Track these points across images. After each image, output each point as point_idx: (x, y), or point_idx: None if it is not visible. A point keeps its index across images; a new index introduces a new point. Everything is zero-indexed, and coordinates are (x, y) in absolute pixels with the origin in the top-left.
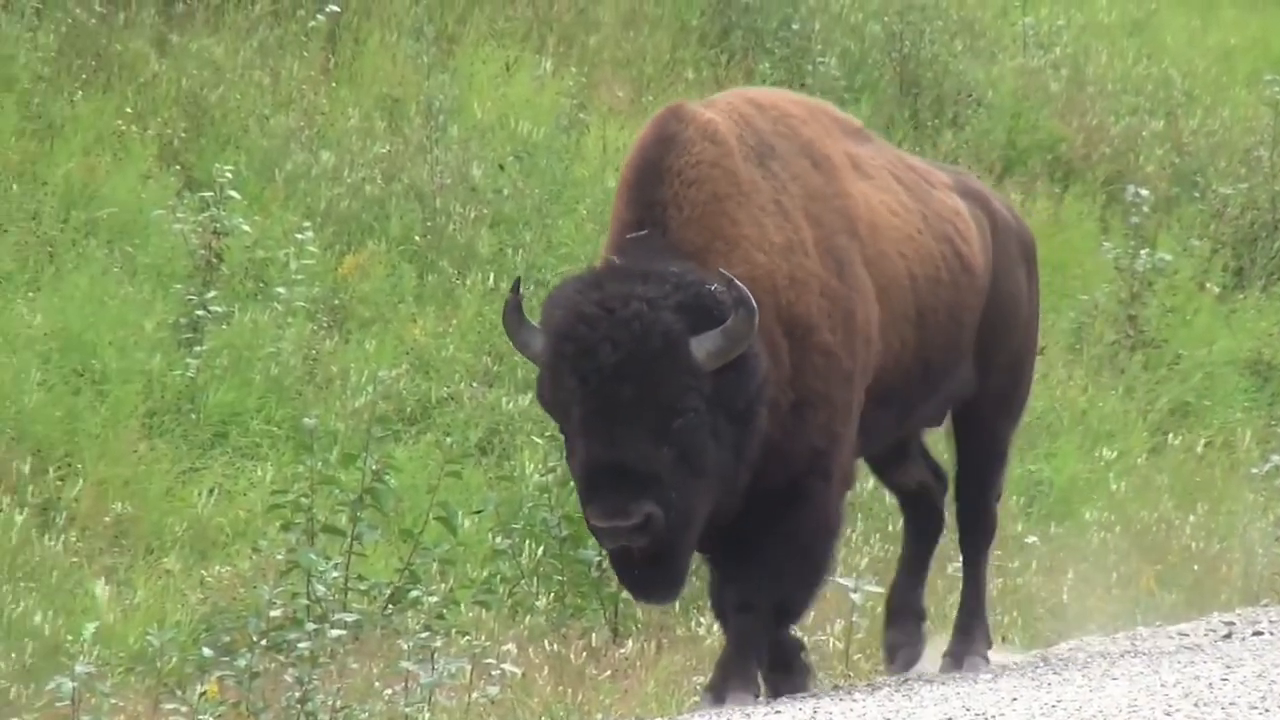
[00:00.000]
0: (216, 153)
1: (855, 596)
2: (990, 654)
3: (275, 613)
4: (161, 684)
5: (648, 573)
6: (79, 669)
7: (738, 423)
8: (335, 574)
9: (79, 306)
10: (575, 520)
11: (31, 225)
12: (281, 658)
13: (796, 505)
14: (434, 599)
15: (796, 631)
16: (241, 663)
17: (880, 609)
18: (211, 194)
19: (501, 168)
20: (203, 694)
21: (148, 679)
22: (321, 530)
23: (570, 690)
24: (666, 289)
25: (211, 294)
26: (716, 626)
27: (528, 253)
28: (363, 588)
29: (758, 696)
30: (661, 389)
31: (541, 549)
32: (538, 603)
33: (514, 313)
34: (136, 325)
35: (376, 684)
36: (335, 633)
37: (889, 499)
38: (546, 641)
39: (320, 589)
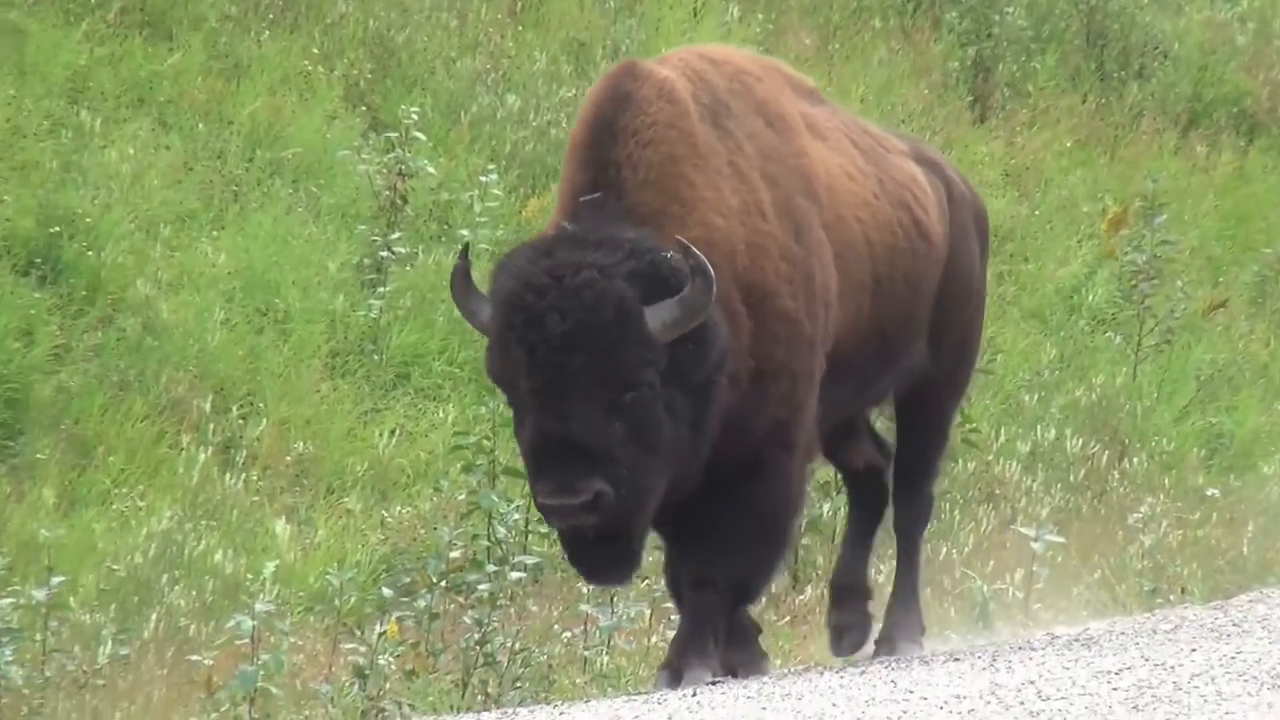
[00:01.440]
0: (402, 94)
1: (1036, 546)
2: (923, 639)
3: (455, 554)
4: (340, 624)
5: (599, 553)
6: (259, 607)
7: (695, 396)
8: (516, 516)
9: (263, 246)
10: None
11: (217, 165)
12: (461, 599)
13: (757, 478)
14: None
15: (755, 615)
16: (421, 604)
17: (1060, 559)
18: (397, 135)
19: None
20: (382, 634)
21: (327, 618)
22: (503, 472)
23: None
24: (620, 256)
25: (395, 235)
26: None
27: None
28: (543, 530)
29: (715, 675)
30: (613, 361)
31: None
32: None
33: (461, 280)
34: (320, 265)
35: (555, 627)
36: (515, 575)
37: (1070, 447)
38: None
39: (501, 531)
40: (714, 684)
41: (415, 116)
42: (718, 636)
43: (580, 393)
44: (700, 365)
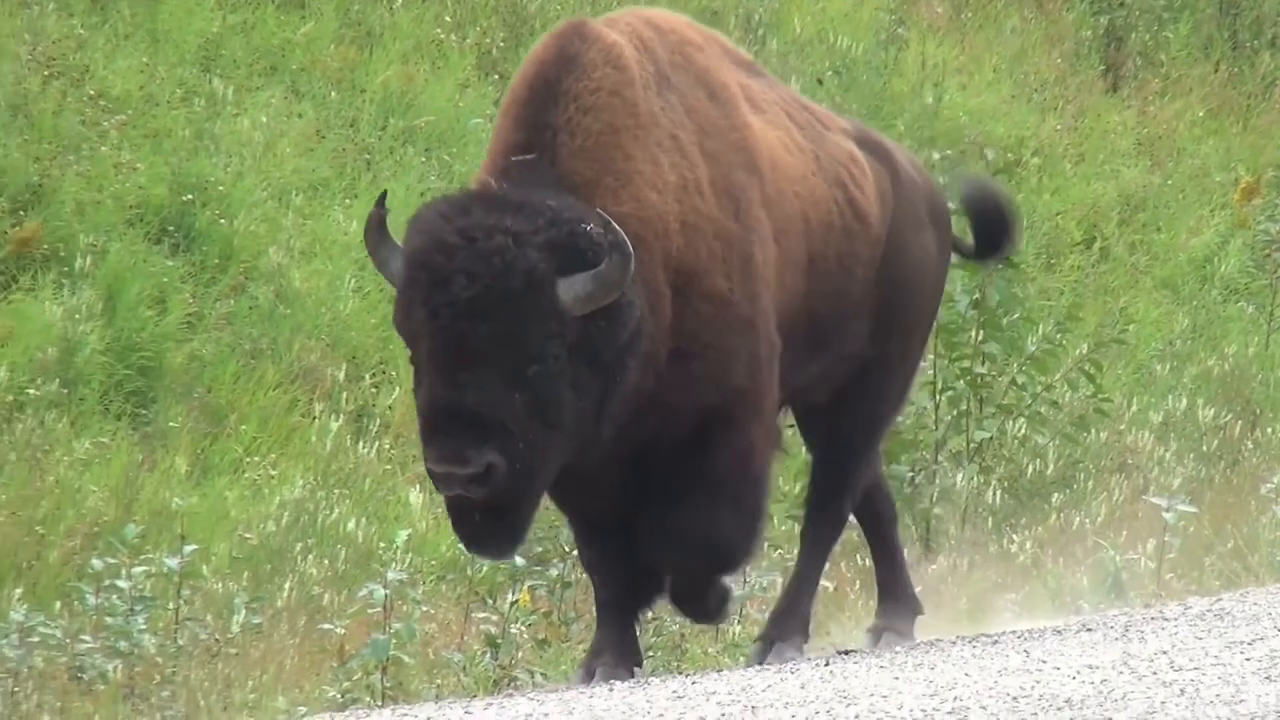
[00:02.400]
0: None
1: (1168, 515)
2: (804, 646)
3: None
4: (473, 592)
5: (485, 524)
6: (391, 576)
7: (602, 374)
8: None
9: (395, 214)
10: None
11: (349, 133)
12: None
13: (708, 458)
14: None
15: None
16: (553, 572)
17: (1192, 529)
18: None
19: (820, 82)
20: (514, 603)
21: (459, 587)
22: None
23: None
24: (539, 224)
25: None
26: (1024, 547)
27: None
28: None
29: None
30: (519, 331)
31: None
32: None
33: (375, 228)
34: None
35: None
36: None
37: (1202, 417)
38: (858, 556)
39: None
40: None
41: None
42: (729, 597)
43: (481, 361)
44: (610, 343)
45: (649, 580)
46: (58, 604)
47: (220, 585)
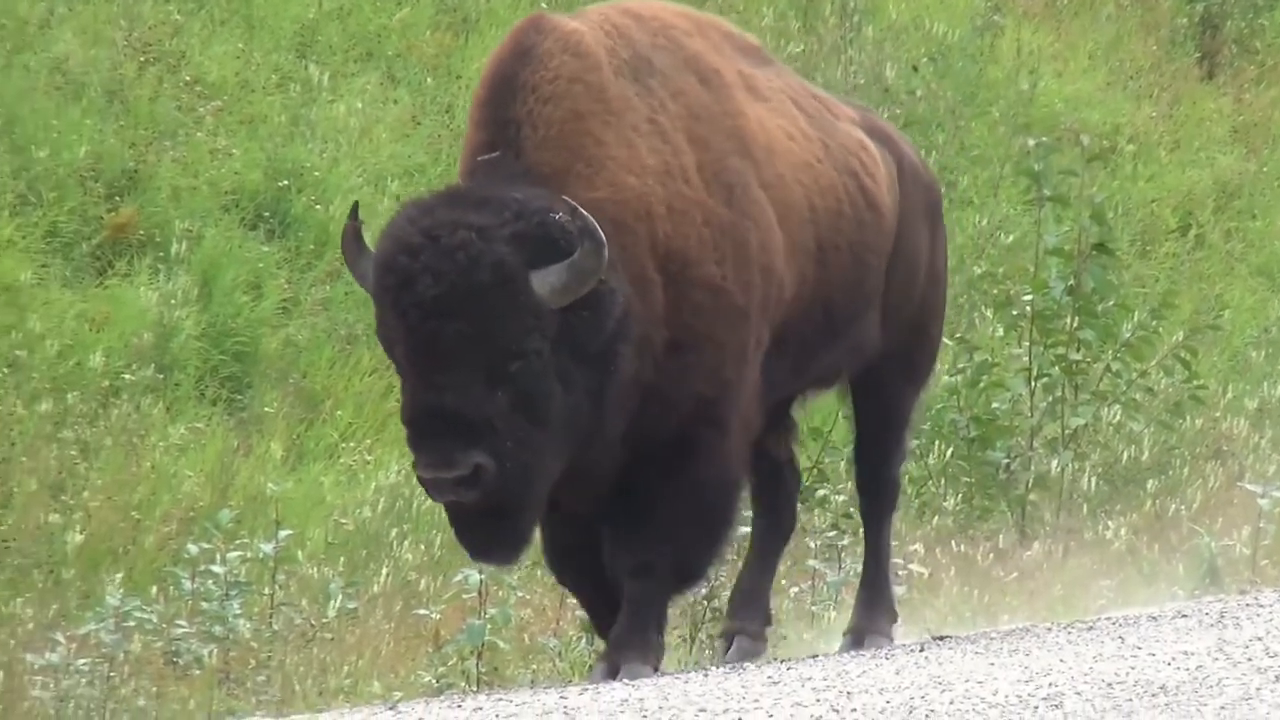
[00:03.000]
0: None
1: (1263, 502)
2: (894, 629)
3: None
4: None
5: (485, 529)
6: None
7: (593, 365)
8: None
9: None
10: (984, 422)
11: (445, 119)
12: None
13: (689, 457)
14: (841, 498)
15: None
16: None
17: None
18: None
19: (915, 69)
20: None
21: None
22: None
23: (976, 592)
24: (505, 216)
25: None
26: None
27: (940, 154)
28: None
29: (656, 669)
30: (493, 327)
31: (950, 450)
32: (945, 504)
33: (352, 241)
34: None
35: (783, 581)
36: (743, 530)
37: None
38: (953, 542)
39: None
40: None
41: None
42: (660, 625)
43: (457, 361)
44: (596, 333)
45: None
46: (154, 589)
47: (315, 570)
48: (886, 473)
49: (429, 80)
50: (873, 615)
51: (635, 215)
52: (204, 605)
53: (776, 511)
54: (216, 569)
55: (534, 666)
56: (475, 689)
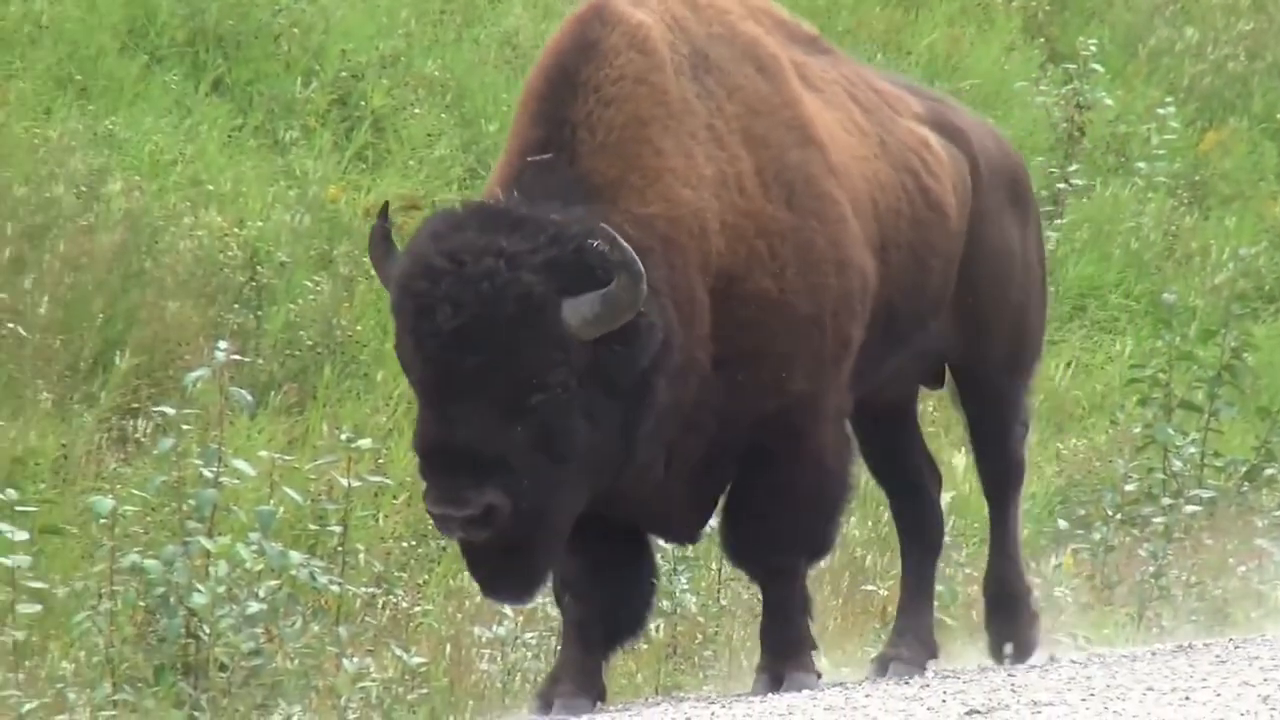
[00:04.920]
0: (1080, 26)
1: None
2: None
3: (1130, 487)
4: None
5: (497, 567)
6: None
7: (624, 400)
8: (1192, 450)
9: None
10: None
11: None
12: (1135, 532)
13: (779, 464)
14: None
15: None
16: (1096, 536)
17: None
18: (1074, 67)
19: None
20: (1057, 566)
21: None
22: (1179, 406)
23: None
24: (539, 241)
25: (1073, 167)
26: None
27: None
28: (1219, 464)
29: (819, 675)
30: (516, 361)
31: None
32: None
33: (380, 243)
34: None
35: (1230, 560)
36: (1190, 509)
37: None
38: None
39: (1176, 464)
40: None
41: (1093, 48)
42: (808, 609)
43: (474, 394)
44: (629, 368)
45: (628, 616)
46: None
47: None
48: (1005, 447)
49: (879, 56)
50: (1015, 619)
51: (688, 233)
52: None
53: (919, 526)
54: (663, 544)
55: (980, 644)
56: None
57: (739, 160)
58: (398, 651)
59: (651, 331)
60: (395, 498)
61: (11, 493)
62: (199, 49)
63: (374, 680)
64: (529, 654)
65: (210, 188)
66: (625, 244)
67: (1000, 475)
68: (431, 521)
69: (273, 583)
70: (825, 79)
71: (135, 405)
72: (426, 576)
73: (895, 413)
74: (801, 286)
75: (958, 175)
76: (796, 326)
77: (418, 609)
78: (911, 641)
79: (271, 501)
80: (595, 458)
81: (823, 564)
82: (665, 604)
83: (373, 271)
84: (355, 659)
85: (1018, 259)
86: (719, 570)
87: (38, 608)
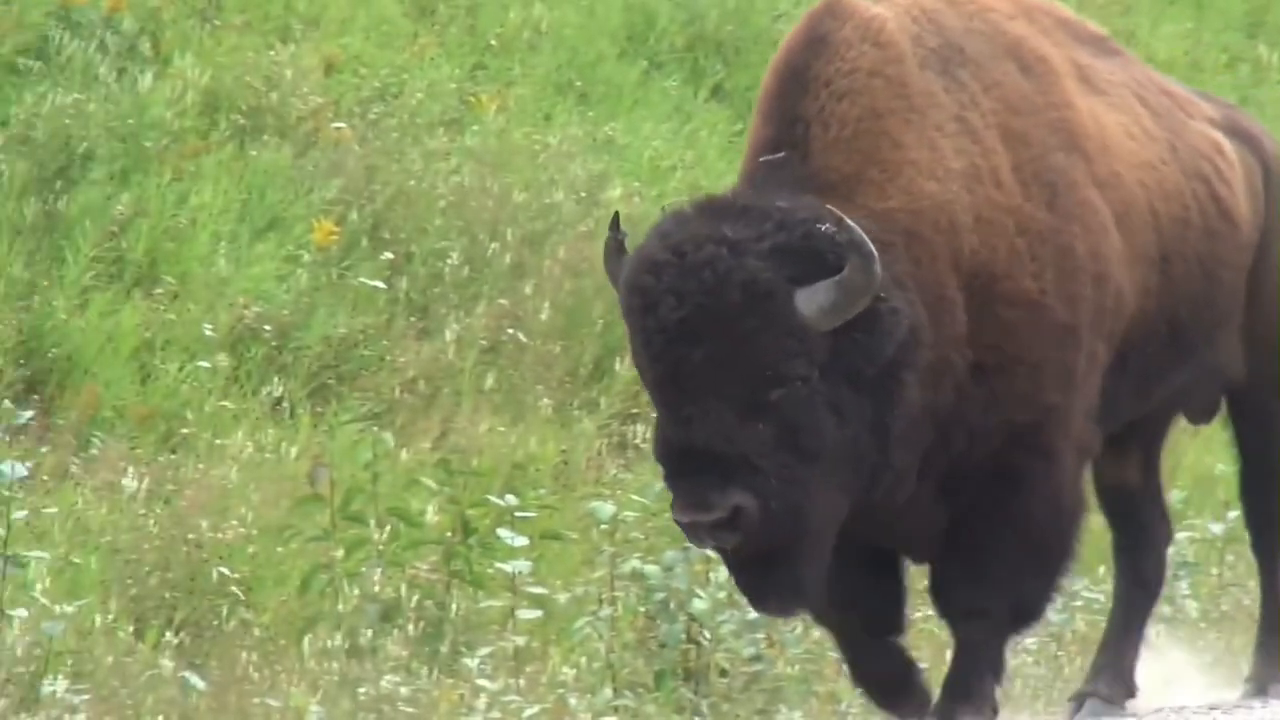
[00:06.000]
0: None
1: None
2: None
3: None
4: None
5: (759, 576)
6: None
7: (873, 394)
8: None
9: None
10: None
11: None
12: None
13: (1015, 491)
14: None
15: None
16: None
17: None
18: None
19: None
20: None
21: None
22: None
23: None
24: (765, 228)
25: None
26: None
27: None
28: None
29: None
30: (749, 352)
31: None
32: None
33: (615, 255)
34: None
35: None
36: None
37: None
38: None
39: None
40: None
41: None
42: (998, 672)
43: (708, 391)
44: (873, 357)
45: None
46: (1100, 568)
47: None
48: (1273, 504)
49: None
50: (1270, 662)
51: (934, 226)
52: None
53: (1137, 561)
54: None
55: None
56: None
57: (994, 154)
58: None
59: (895, 317)
60: None
61: (512, 498)
62: (698, 54)
63: None
64: (1029, 659)
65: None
66: (852, 224)
67: (1267, 530)
68: (688, 539)
69: None
70: (1112, 81)
71: (635, 411)
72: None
73: (1145, 450)
74: (1058, 293)
75: (1250, 182)
76: (1054, 334)
77: (917, 614)
78: (1110, 679)
79: None
80: (847, 456)
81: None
82: (1166, 609)
83: None
84: None
85: None
86: (1219, 575)
87: (538, 613)
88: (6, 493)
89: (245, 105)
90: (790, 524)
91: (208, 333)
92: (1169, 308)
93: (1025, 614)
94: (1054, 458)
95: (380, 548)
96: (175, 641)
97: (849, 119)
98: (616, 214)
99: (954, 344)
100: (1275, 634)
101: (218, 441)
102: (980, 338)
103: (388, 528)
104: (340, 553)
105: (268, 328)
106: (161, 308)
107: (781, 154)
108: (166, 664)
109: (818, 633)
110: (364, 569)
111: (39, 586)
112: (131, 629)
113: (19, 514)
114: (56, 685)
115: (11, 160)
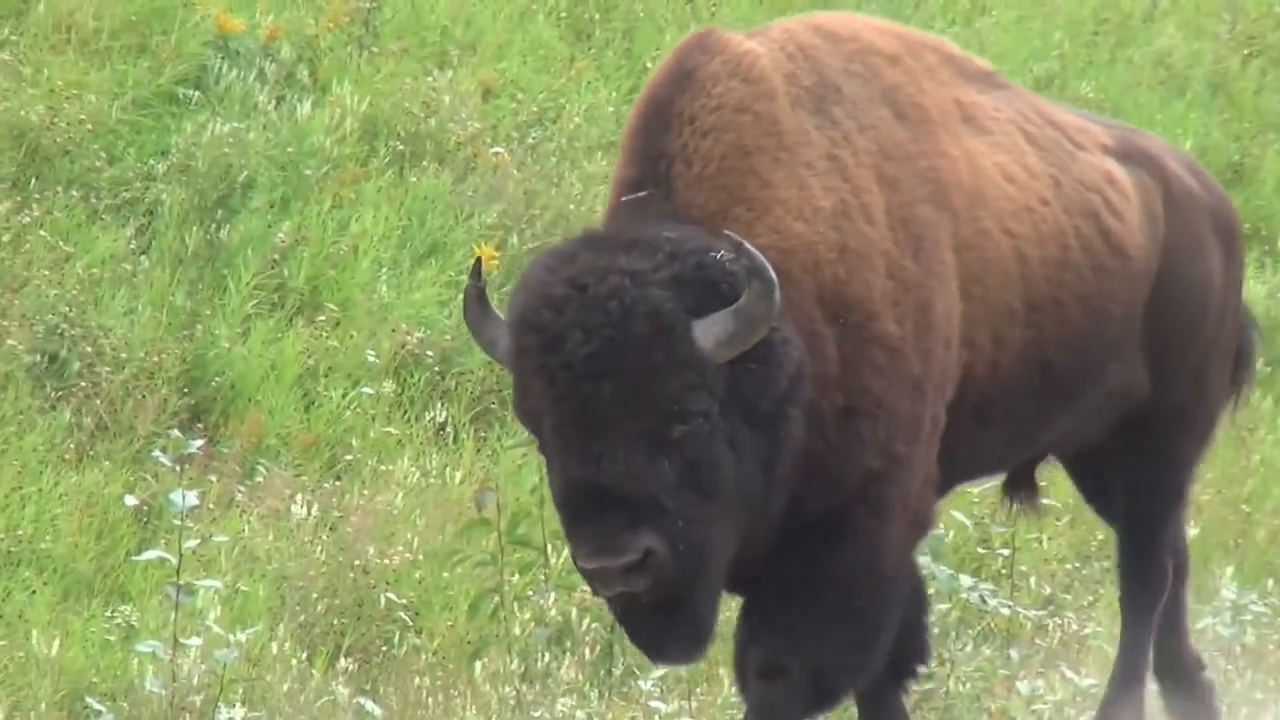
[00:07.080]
0: None
1: None
2: None
3: None
4: None
5: (660, 625)
6: None
7: (763, 428)
8: None
9: None
10: None
11: None
12: None
13: (837, 543)
14: None
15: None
16: None
17: None
18: None
19: None
20: None
21: None
22: None
23: None
24: (659, 259)
25: None
26: None
27: None
28: None
29: None
30: (654, 387)
31: None
32: None
33: (475, 304)
34: None
35: None
36: None
37: None
38: None
39: None
40: None
41: None
42: None
43: (614, 428)
44: (768, 390)
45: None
46: (1269, 581)
47: None
48: (1154, 554)
49: None
50: (1118, 712)
51: (802, 266)
52: None
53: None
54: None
55: None
56: None
57: (867, 193)
58: (1068, 673)
59: (787, 347)
60: (1059, 519)
61: None
62: None
63: (1046, 703)
64: None
65: None
66: (752, 249)
67: (1144, 584)
68: (586, 581)
69: (943, 606)
70: (998, 119)
71: None
72: (1091, 598)
73: (1103, 453)
74: (915, 345)
75: (1147, 209)
76: (908, 384)
77: (1087, 630)
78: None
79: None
80: (741, 495)
81: None
82: None
83: None
84: (1027, 681)
85: (1214, 297)
86: None
87: None
88: (177, 522)
89: (404, 131)
90: (696, 565)
91: (370, 359)
92: (1036, 357)
93: (826, 683)
94: (884, 515)
95: (548, 571)
96: (346, 667)
97: (713, 156)
98: (479, 260)
99: (825, 385)
100: (1123, 689)
101: (382, 467)
102: (852, 378)
103: (555, 551)
104: (514, 576)
105: (430, 353)
106: (324, 335)
107: (644, 192)
108: (341, 690)
109: (988, 650)
110: (532, 593)
111: (210, 615)
112: (305, 656)
113: (190, 543)
114: (234, 713)
115: (173, 190)
